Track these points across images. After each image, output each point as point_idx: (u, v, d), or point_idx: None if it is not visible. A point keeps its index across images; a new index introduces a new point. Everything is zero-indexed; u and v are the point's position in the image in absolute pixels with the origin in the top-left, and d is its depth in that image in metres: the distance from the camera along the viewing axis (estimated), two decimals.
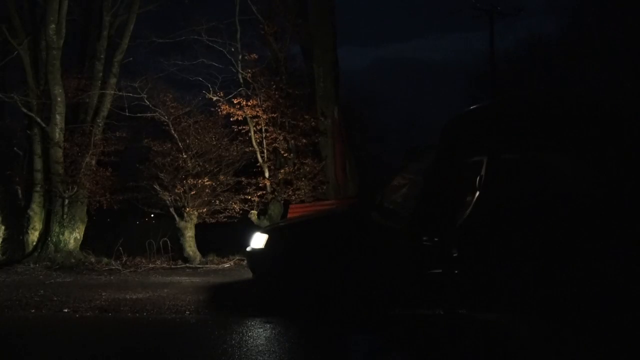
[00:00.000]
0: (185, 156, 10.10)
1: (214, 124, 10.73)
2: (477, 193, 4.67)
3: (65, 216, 10.20)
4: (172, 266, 9.39)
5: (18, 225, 10.71)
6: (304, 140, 11.20)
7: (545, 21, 41.86)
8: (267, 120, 10.93)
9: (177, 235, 10.32)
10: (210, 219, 10.46)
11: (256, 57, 11.32)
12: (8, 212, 10.93)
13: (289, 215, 9.57)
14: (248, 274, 6.91)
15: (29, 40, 10.94)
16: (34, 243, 10.39)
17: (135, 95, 10.50)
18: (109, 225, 13.52)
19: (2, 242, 10.46)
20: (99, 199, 10.43)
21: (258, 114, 10.84)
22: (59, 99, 10.23)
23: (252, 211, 10.72)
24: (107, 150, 10.71)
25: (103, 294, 6.31)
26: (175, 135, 10.28)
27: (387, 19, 59.50)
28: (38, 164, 10.60)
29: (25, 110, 10.49)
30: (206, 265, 9.40)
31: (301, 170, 10.99)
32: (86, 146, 10.27)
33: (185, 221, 10.15)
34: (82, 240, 10.47)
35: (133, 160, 11.36)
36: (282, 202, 10.96)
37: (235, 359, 3.59)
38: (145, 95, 10.43)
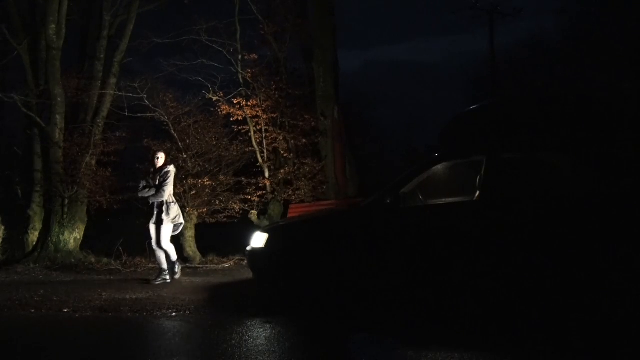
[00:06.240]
0: (185, 156, 10.10)
1: (213, 124, 10.72)
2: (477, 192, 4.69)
3: (65, 216, 10.20)
4: None
5: (18, 225, 10.70)
6: (304, 140, 11.20)
7: (545, 21, 41.85)
8: (267, 120, 10.94)
9: (177, 235, 10.30)
10: (210, 219, 10.44)
11: (256, 57, 11.33)
12: (8, 212, 10.92)
13: (289, 215, 9.57)
14: (248, 274, 6.92)
15: (29, 40, 10.95)
16: (34, 243, 10.39)
17: (135, 95, 10.48)
18: (109, 225, 13.50)
19: (2, 242, 10.45)
20: (99, 199, 10.42)
21: (258, 114, 10.85)
22: (59, 99, 10.23)
23: (252, 211, 10.72)
24: (107, 150, 10.70)
25: (103, 294, 6.31)
26: (175, 135, 10.28)
27: (378, 22, 58.92)
28: (38, 164, 10.60)
29: (25, 110, 10.48)
30: (206, 265, 9.40)
31: (301, 170, 10.99)
32: (86, 146, 10.27)
33: (185, 221, 10.14)
34: (82, 240, 10.46)
35: (133, 160, 11.34)
36: (282, 202, 10.96)
37: (235, 359, 3.59)
38: (145, 95, 10.41)
